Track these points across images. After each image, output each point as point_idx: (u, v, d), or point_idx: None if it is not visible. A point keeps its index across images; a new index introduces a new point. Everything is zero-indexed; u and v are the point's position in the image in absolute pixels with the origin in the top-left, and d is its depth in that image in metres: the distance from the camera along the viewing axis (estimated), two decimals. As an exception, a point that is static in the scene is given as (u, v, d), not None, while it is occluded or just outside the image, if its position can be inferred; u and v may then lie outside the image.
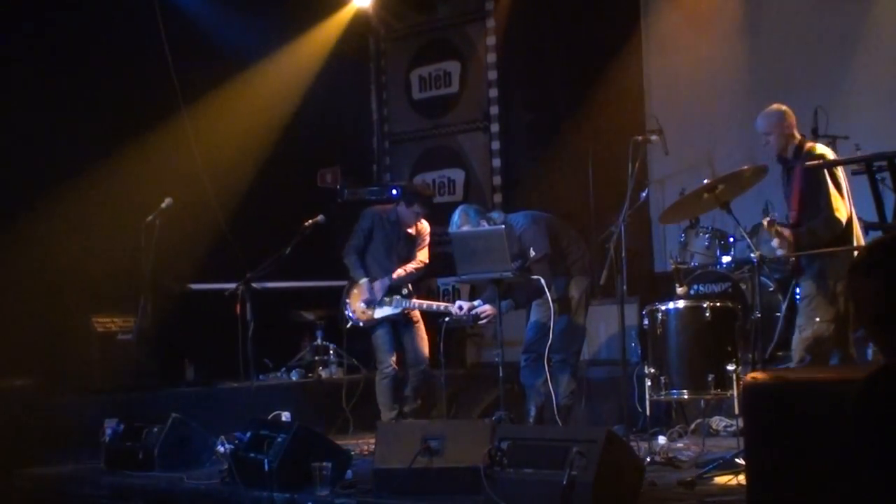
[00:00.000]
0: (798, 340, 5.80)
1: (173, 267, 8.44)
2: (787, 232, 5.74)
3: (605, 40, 9.26)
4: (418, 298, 7.52)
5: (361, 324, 7.47)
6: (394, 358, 7.46)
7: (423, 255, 7.60)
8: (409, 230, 7.53)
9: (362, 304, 7.42)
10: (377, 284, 7.40)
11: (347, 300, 7.51)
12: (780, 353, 6.81)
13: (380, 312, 7.40)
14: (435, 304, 7.59)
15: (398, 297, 7.38)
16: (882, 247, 2.54)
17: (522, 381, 6.92)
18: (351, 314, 7.48)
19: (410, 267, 7.51)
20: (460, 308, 7.02)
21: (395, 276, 7.40)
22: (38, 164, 8.13)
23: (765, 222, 5.77)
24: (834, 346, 5.78)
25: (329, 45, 10.17)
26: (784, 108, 6.02)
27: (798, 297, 6.13)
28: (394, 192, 9.92)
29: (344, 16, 10.28)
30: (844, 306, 5.72)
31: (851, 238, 5.79)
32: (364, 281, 7.44)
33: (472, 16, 10.39)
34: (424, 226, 7.61)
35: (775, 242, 5.78)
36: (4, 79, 7.99)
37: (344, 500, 5.28)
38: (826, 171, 5.76)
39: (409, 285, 7.51)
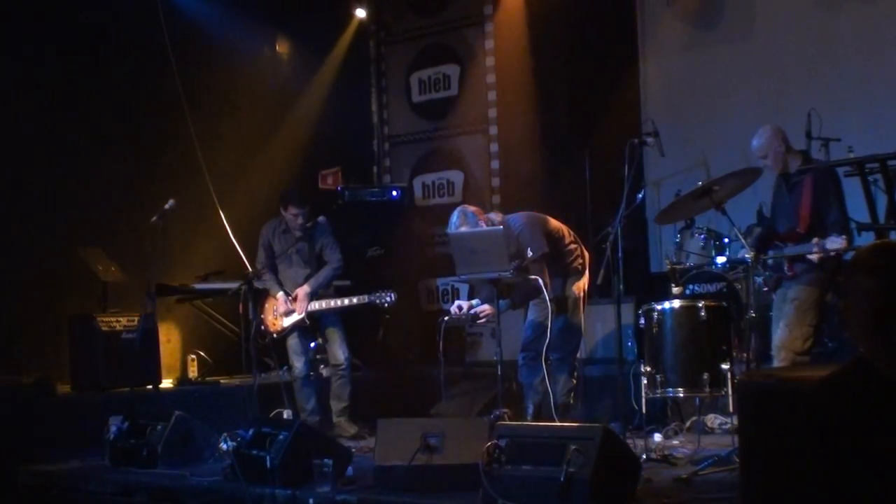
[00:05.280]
0: (787, 340, 5.87)
1: (177, 267, 8.52)
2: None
3: (602, 43, 9.31)
4: (325, 300, 7.38)
5: (275, 335, 7.41)
6: (303, 360, 7.43)
7: (330, 256, 7.48)
8: (297, 232, 7.39)
9: (274, 315, 7.39)
10: (300, 293, 7.32)
11: (262, 314, 7.41)
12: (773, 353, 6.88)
13: (287, 321, 7.39)
14: (336, 301, 7.36)
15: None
16: (886, 250, 2.72)
17: (521, 380, 6.92)
18: (262, 326, 7.40)
19: (322, 273, 7.42)
20: (459, 308, 6.94)
21: (308, 286, 7.32)
22: (37, 165, 8.21)
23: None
24: (812, 347, 5.92)
25: (330, 48, 10.26)
26: (773, 126, 6.03)
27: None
28: (394, 193, 10.01)
29: (345, 20, 10.36)
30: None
31: None
32: (280, 294, 7.37)
33: (471, 20, 10.44)
34: (320, 224, 7.44)
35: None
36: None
37: (345, 496, 5.31)
38: (835, 184, 5.82)
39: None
